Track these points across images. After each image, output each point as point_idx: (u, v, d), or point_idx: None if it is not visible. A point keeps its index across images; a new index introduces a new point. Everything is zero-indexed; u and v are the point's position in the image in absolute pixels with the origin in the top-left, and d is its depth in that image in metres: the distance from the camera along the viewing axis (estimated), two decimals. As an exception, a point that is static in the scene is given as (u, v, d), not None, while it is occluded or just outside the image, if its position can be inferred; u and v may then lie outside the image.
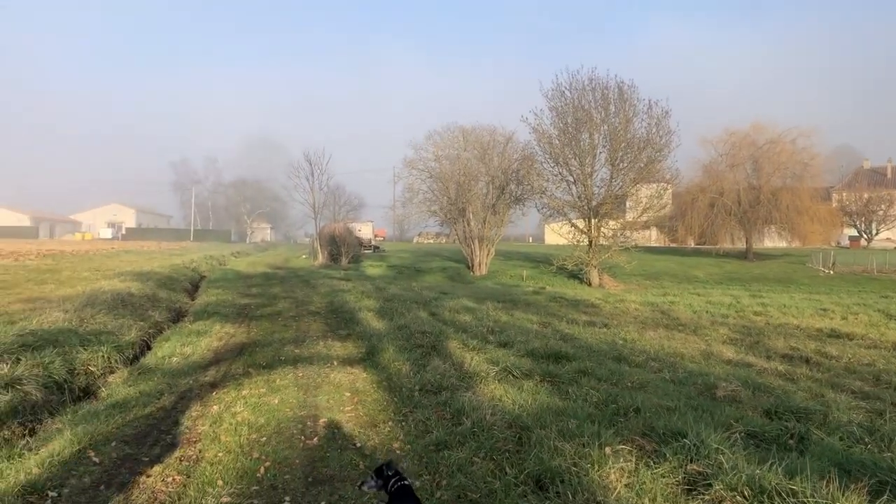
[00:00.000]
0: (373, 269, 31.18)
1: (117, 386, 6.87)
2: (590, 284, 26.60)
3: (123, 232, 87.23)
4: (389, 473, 3.13)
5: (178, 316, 12.98)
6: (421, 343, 8.90)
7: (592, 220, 26.92)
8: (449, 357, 8.02)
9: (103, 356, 8.15)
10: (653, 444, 4.56)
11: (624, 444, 4.36)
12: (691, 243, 42.94)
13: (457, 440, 4.86)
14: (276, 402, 6.34)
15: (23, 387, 6.11)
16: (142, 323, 10.87)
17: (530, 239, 77.97)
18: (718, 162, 40.33)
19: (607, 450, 4.25)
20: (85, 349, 8.10)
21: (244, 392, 6.72)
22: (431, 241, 69.96)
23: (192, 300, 15.75)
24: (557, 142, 26.63)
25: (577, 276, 28.20)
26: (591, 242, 27.10)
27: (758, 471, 3.69)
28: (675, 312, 15.34)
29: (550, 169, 27.30)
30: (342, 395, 6.69)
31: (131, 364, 8.46)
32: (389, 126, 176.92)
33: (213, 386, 7.07)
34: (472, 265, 31.19)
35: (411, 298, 15.06)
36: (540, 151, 27.57)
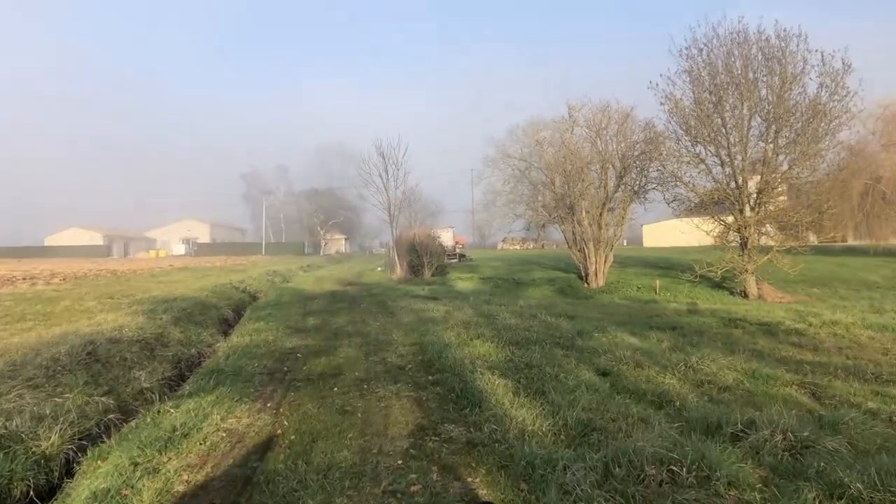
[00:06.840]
0: (463, 282, 25.69)
1: None
2: (746, 296, 20.21)
3: (196, 248, 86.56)
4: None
5: (182, 374, 8.22)
6: None
7: (748, 214, 20.50)
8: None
9: None
10: None
11: None
12: (850, 240, 34.72)
13: None
14: None
15: None
16: (102, 399, 6.12)
17: (625, 242, 70.74)
18: (869, 142, 32.63)
19: None
20: None
21: None
22: (518, 247, 63.83)
23: (225, 337, 11.10)
24: (693, 114, 20.46)
25: (722, 285, 21.92)
26: (744, 242, 20.68)
27: None
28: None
29: (687, 149, 21.03)
30: None
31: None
32: (463, 123, 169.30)
33: None
34: (587, 275, 24.92)
35: (545, 336, 9.58)
36: (674, 126, 21.32)
